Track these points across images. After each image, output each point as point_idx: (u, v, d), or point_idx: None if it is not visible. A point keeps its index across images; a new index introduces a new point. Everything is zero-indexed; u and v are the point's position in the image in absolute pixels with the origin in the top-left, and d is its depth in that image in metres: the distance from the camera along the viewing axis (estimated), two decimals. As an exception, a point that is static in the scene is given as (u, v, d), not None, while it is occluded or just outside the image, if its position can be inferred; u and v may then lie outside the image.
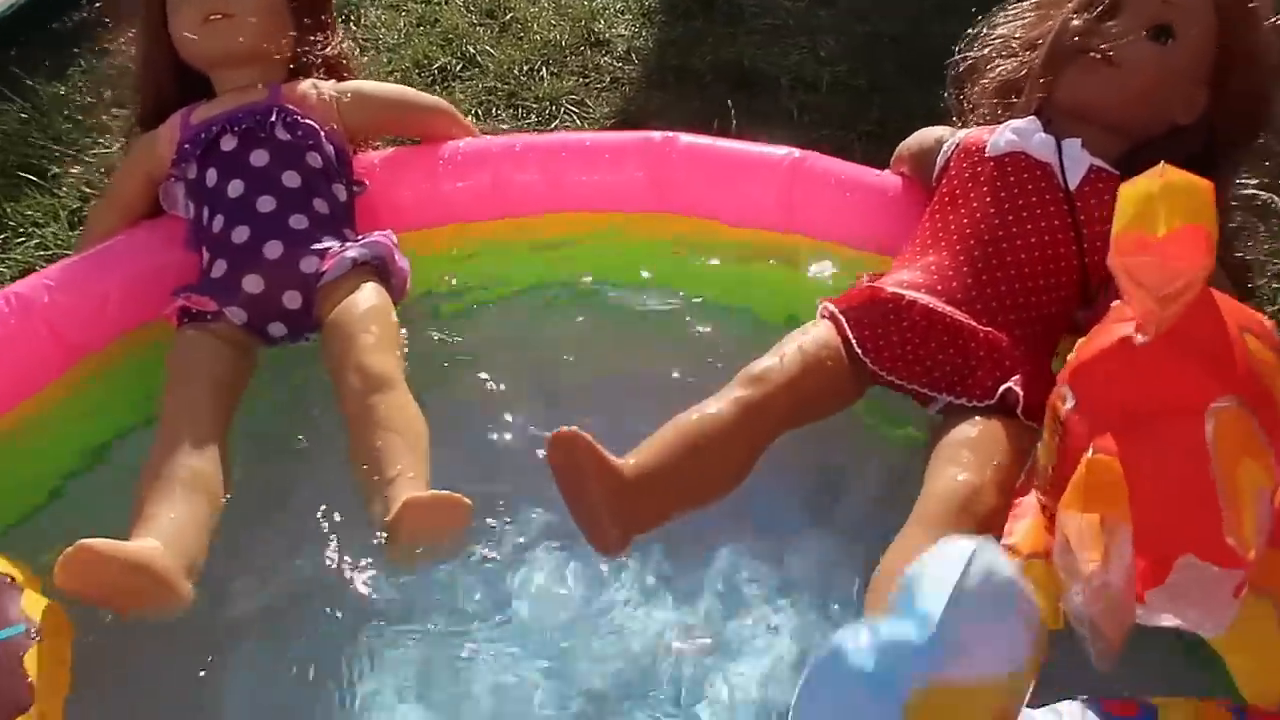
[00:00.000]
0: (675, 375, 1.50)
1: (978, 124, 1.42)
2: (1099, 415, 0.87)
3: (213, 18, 1.44)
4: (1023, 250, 1.23)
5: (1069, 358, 0.94)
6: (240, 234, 1.38)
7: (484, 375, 1.54)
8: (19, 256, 2.08)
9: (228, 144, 1.43)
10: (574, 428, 1.05)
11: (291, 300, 1.38)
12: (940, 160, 1.38)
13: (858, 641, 0.67)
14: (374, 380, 1.25)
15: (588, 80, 2.75)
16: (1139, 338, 0.84)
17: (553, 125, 2.54)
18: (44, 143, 2.36)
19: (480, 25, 3.00)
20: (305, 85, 1.50)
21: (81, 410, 1.38)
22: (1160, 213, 0.80)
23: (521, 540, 1.25)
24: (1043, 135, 1.28)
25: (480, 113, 2.59)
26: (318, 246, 1.39)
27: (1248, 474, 0.83)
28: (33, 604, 1.03)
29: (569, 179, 1.58)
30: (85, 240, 1.56)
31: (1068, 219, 1.24)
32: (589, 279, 1.60)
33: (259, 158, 1.42)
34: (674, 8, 3.05)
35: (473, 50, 2.83)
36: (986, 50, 1.41)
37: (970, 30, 1.49)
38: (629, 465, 1.07)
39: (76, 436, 1.38)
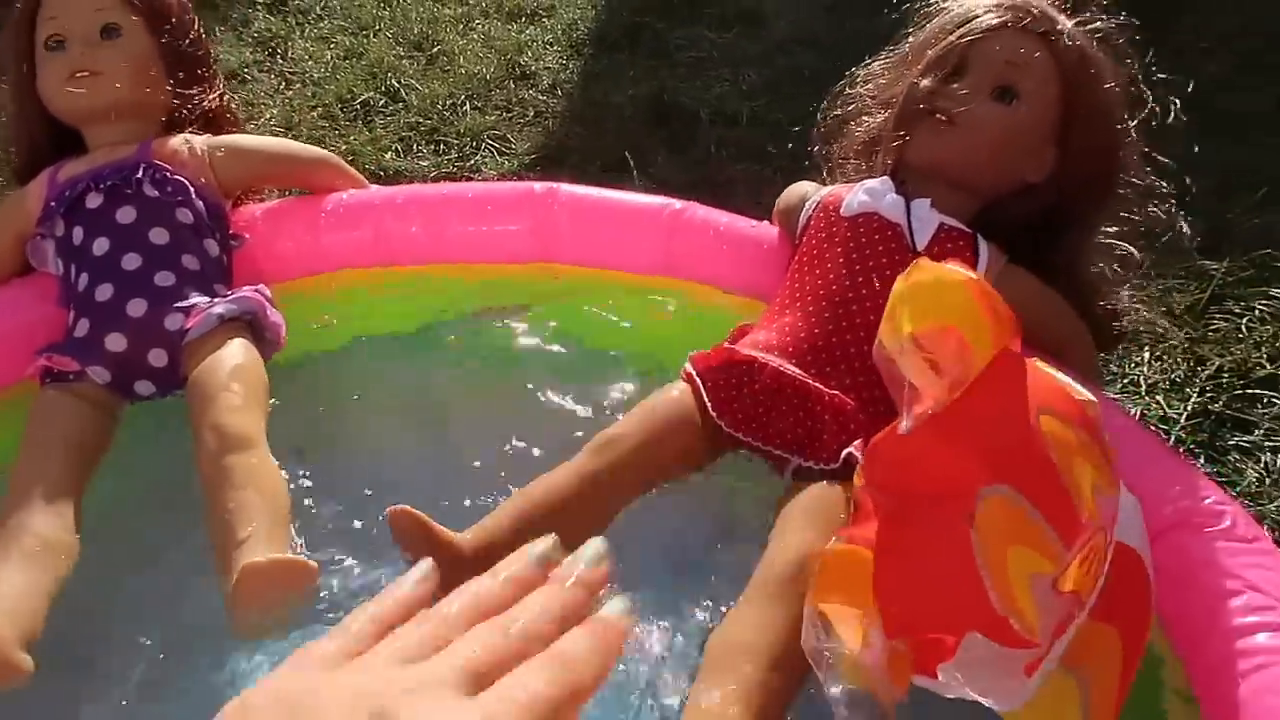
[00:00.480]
0: (560, 419, 1.52)
1: (844, 180, 1.43)
2: (878, 499, 0.88)
3: (79, 74, 1.43)
4: (871, 311, 1.24)
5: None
6: (104, 292, 1.37)
7: (370, 422, 1.55)
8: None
9: (93, 201, 1.42)
10: (404, 506, 1.04)
11: (157, 358, 1.37)
12: (802, 218, 1.39)
13: None
14: (231, 440, 1.24)
15: (511, 115, 2.76)
16: (902, 426, 0.85)
17: (472, 161, 2.55)
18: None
19: (407, 58, 3.01)
20: (176, 140, 1.50)
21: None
22: (905, 314, 0.81)
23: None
24: (894, 196, 1.30)
25: (400, 148, 2.60)
26: (183, 304, 1.38)
27: (1019, 561, 0.84)
28: None
29: (451, 230, 1.58)
30: (-43, 296, 1.54)
31: None
32: (480, 321, 1.62)
33: (125, 215, 1.41)
34: (602, 39, 3.08)
35: (397, 84, 2.84)
36: (850, 107, 1.43)
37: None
38: (467, 542, 1.07)
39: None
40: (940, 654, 0.85)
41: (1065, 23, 1.28)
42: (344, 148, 2.57)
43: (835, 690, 0.79)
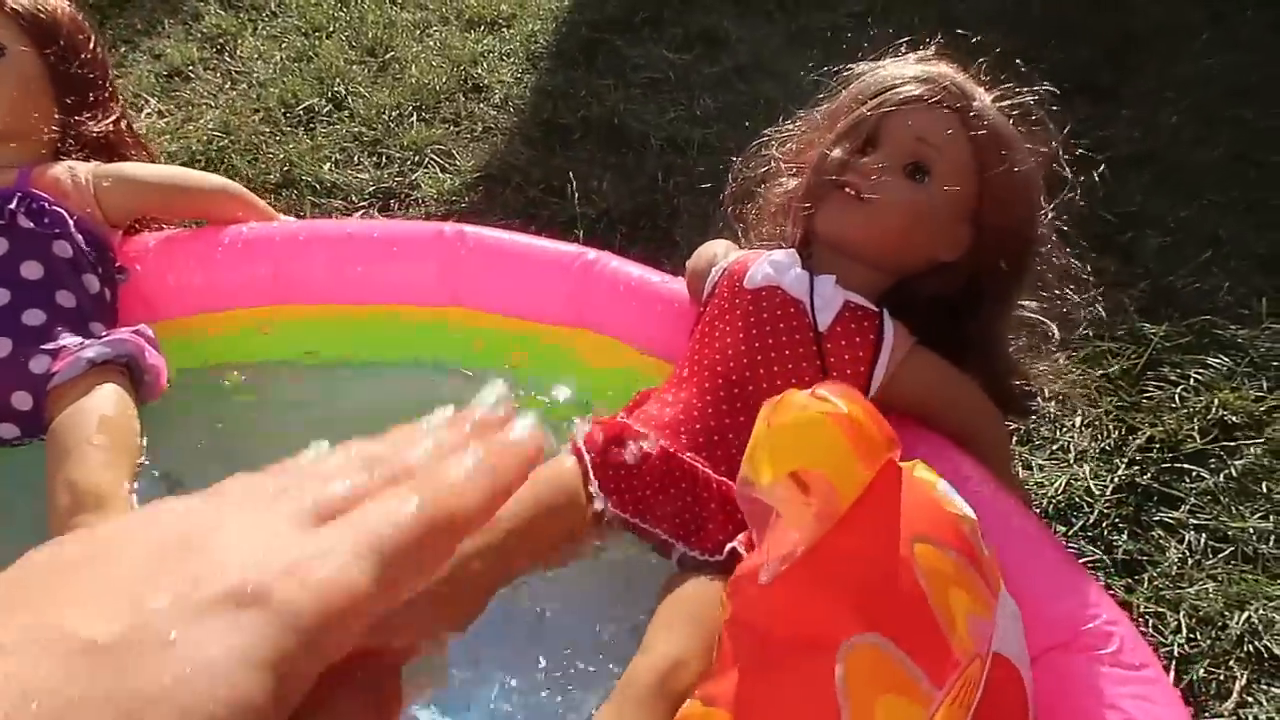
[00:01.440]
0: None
1: (759, 242, 1.37)
2: (739, 639, 0.82)
3: (-46, 97, 1.36)
4: (767, 394, 1.17)
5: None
6: (-32, 328, 1.30)
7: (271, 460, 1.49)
8: None
9: (-36, 230, 1.35)
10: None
11: (21, 401, 1.30)
12: (708, 283, 1.32)
13: None
14: (85, 498, 1.18)
15: (459, 129, 2.69)
16: (764, 572, 0.79)
17: (414, 175, 2.48)
18: None
19: (358, 64, 2.93)
20: (59, 169, 1.42)
21: None
22: (763, 458, 0.75)
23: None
24: (798, 271, 1.23)
25: (340, 160, 2.53)
26: (50, 346, 1.31)
27: (887, 711, 0.79)
28: None
29: (352, 270, 1.51)
30: None
31: (816, 361, 1.19)
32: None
33: (-3, 247, 1.34)
34: (560, 54, 3.00)
35: (344, 91, 2.77)
36: (764, 169, 1.36)
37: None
38: None
39: None
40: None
41: (983, 98, 1.22)
42: (281, 156, 2.50)
43: None
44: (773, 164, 1.34)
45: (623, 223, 2.32)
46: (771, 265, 1.25)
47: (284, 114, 2.68)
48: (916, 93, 1.21)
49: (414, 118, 2.69)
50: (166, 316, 1.48)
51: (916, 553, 0.86)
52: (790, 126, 1.35)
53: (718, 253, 1.37)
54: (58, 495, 1.18)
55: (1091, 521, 1.66)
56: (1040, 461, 1.78)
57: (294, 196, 2.36)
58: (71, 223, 1.38)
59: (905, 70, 1.26)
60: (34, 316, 1.32)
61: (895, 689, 0.80)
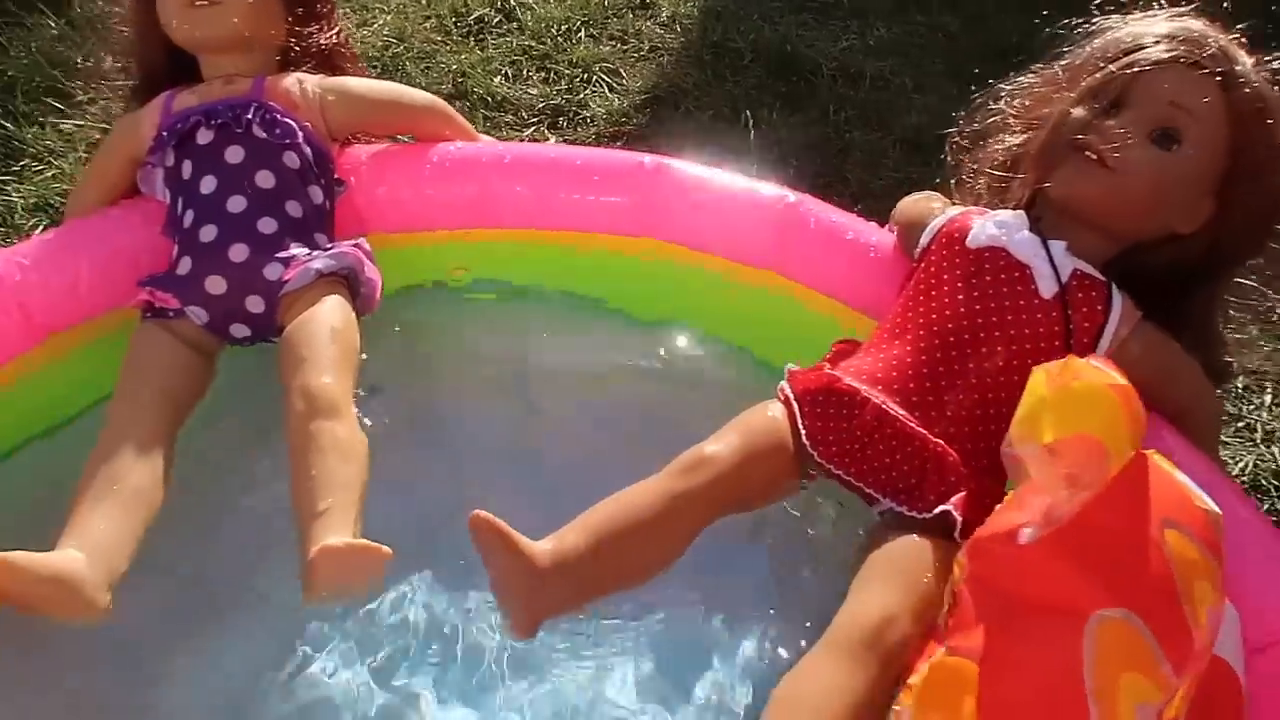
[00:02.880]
0: (656, 405, 1.50)
1: (974, 199, 1.34)
2: (983, 597, 0.84)
3: (198, 3, 1.40)
4: (986, 357, 1.17)
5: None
6: (208, 233, 1.37)
7: (466, 380, 1.55)
8: (34, 187, 2.11)
9: (204, 137, 1.41)
10: (486, 514, 1.03)
11: (254, 305, 1.38)
12: (925, 238, 1.30)
13: None
14: (319, 405, 1.25)
15: (626, 47, 2.67)
16: (1025, 534, 0.80)
17: (582, 94, 2.48)
18: (71, 64, 2.37)
19: (526, -28, 2.91)
20: (290, 80, 1.46)
21: (45, 386, 1.40)
22: (1048, 419, 0.76)
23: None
24: (1027, 234, 1.20)
25: (510, 73, 2.54)
26: (283, 254, 1.38)
27: (1130, 688, 0.80)
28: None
29: (556, 196, 1.54)
30: (69, 213, 1.56)
31: (1052, 327, 1.17)
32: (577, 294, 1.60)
33: (234, 154, 1.40)
34: (728, -27, 2.93)
35: (514, 2, 2.76)
36: (990, 121, 1.32)
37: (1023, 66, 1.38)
38: (545, 553, 1.06)
39: (37, 410, 1.41)
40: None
41: (1245, 62, 1.16)
42: (455, 66, 2.52)
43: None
44: (1002, 117, 1.30)
45: (793, 155, 2.29)
46: (997, 225, 1.22)
47: (455, 23, 2.70)
48: (1173, 53, 1.15)
49: (582, 33, 2.67)
50: (375, 230, 1.53)
51: (1167, 538, 0.86)
52: (1025, 79, 1.30)
53: (932, 207, 1.35)
54: (294, 400, 1.25)
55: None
56: (1224, 438, 1.73)
57: (466, 108, 2.38)
58: (301, 134, 1.43)
59: (1158, 27, 1.20)
60: (267, 224, 1.38)
61: (1140, 668, 0.81)
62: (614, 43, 2.68)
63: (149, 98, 1.50)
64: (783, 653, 1.22)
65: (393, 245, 1.53)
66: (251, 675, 1.20)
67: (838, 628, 1.04)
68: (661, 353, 1.56)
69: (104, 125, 2.23)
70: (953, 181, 1.38)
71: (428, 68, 2.53)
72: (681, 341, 1.57)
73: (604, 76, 2.54)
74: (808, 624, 1.19)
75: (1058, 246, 1.19)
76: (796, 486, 1.22)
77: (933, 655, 1.00)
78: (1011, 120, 1.28)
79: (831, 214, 1.49)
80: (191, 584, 1.26)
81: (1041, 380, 0.81)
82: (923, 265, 1.28)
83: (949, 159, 1.36)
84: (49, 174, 2.15)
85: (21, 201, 2.08)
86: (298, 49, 1.50)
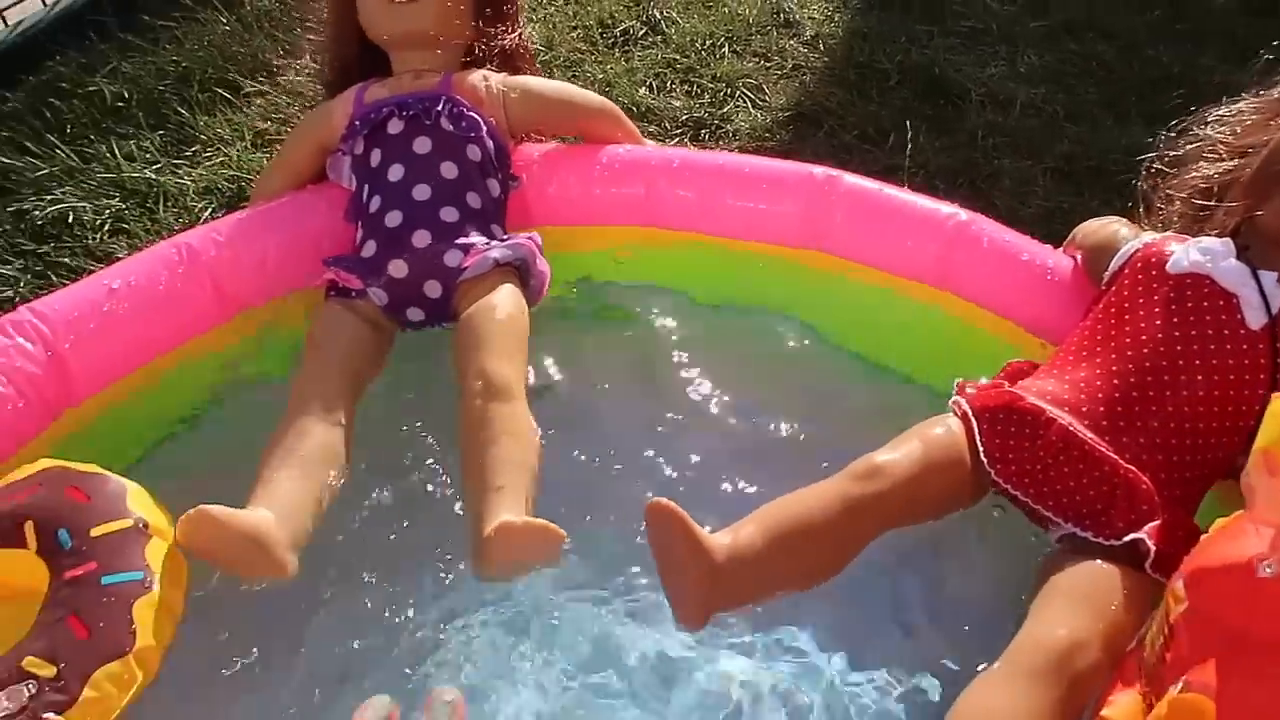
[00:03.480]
0: (801, 416, 1.49)
1: (1165, 226, 1.30)
2: (1207, 631, 0.81)
3: (398, 1, 1.46)
4: (1185, 386, 1.14)
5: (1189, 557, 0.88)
6: (393, 218, 1.42)
7: (614, 375, 1.57)
8: (204, 172, 2.20)
9: (394, 127, 1.46)
10: (669, 502, 1.04)
11: (432, 289, 1.42)
12: (1116, 262, 1.27)
13: None
14: (494, 389, 1.28)
15: (769, 64, 2.67)
16: (1266, 568, 0.77)
17: (724, 109, 2.49)
18: (241, 58, 2.48)
19: (673, -13, 2.95)
20: (476, 77, 1.51)
21: (231, 358, 1.47)
22: None
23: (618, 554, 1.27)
24: (1234, 262, 1.17)
25: (655, 85, 2.56)
26: (463, 241, 1.42)
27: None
28: (155, 553, 1.11)
29: (721, 202, 1.55)
30: (255, 196, 1.63)
31: (1258, 359, 1.13)
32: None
33: (422, 145, 1.45)
34: (874, -5, 2.92)
35: (659, 15, 2.79)
36: (1190, 147, 1.29)
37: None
38: (722, 547, 1.06)
39: (223, 380, 1.47)
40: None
41: None
42: (600, 76, 2.56)
43: None
44: (1207, 144, 1.26)
45: (939, 178, 2.26)
46: (1201, 252, 1.19)
47: (601, 34, 2.74)
48: None
49: (725, 48, 2.69)
50: (542, 223, 1.56)
51: None
52: (1236, 106, 1.26)
53: (1120, 231, 1.32)
54: (470, 381, 1.29)
55: None
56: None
57: (612, 118, 2.41)
58: (484, 128, 1.47)
59: None
60: (449, 213, 1.43)
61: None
62: (757, 59, 2.69)
63: (340, 90, 1.57)
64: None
65: (559, 240, 1.56)
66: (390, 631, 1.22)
67: (1020, 649, 1.02)
68: (815, 365, 1.55)
69: (272, 117, 2.35)
70: (1142, 208, 1.35)
71: (574, 76, 2.57)
72: (835, 355, 1.57)
73: (747, 92, 2.55)
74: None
75: (1269, 277, 1.15)
76: (969, 503, 1.20)
77: (1130, 687, 0.97)
78: (1220, 147, 1.25)
79: (1005, 234, 1.47)
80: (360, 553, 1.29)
81: None
82: (1114, 289, 1.25)
83: (1140, 184, 1.33)
84: (218, 160, 2.24)
85: (193, 185, 2.18)
86: (483, 48, 1.55)
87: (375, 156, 1.46)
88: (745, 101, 2.52)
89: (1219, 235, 1.22)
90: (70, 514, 1.10)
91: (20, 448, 1.28)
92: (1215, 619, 0.82)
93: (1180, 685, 0.79)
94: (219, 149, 2.27)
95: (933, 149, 2.36)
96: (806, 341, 1.59)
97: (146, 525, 1.13)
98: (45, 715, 0.95)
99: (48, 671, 0.97)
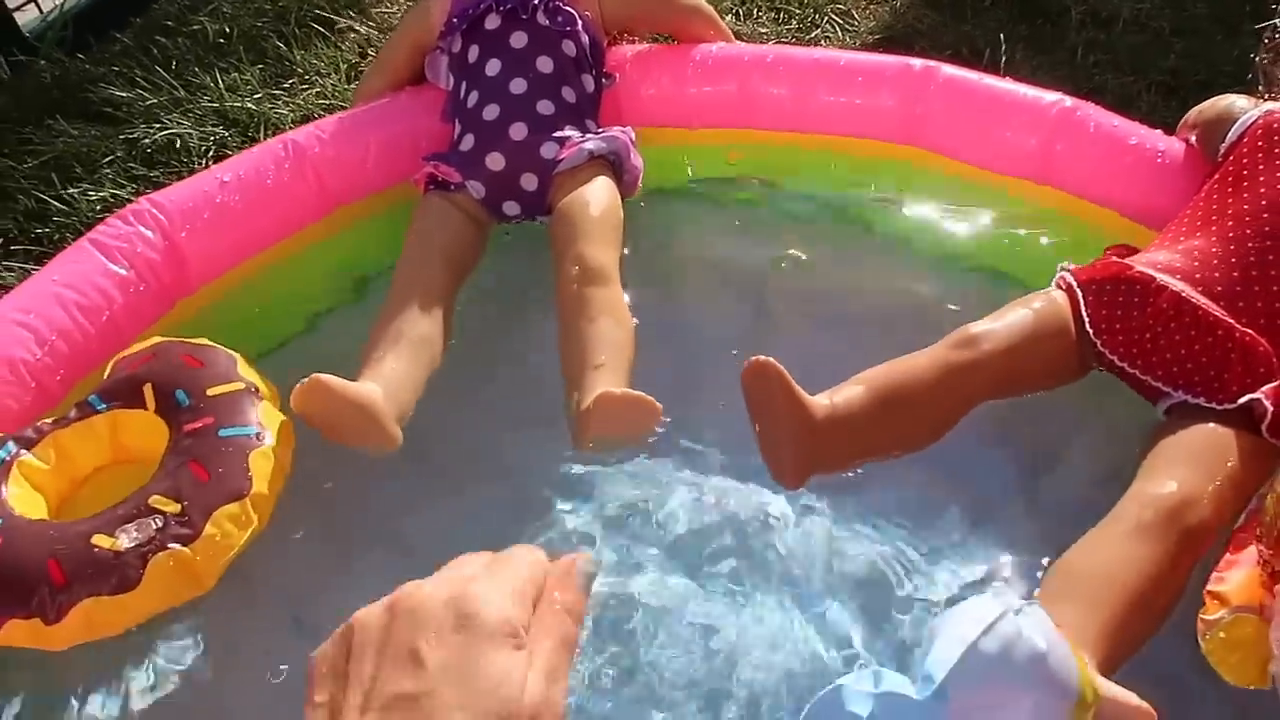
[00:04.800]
0: (893, 318, 1.47)
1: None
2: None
3: (497, -104, 1.47)
4: (1311, 247, 1.09)
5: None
6: (491, 112, 1.44)
7: (704, 280, 1.56)
8: (301, 102, 2.26)
9: (491, 23, 1.48)
10: (770, 358, 1.04)
11: (528, 182, 1.43)
12: (1233, 133, 1.22)
13: (861, 686, 0.66)
14: (592, 273, 1.29)
15: (858, -13, 2.62)
16: None
17: (811, 35, 2.46)
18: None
19: (761, -91, 2.90)
20: (571, -28, 1.52)
21: (335, 253, 1.51)
22: None
23: (701, 451, 1.27)
24: (1364, 121, 1.11)
25: (741, 11, 2.54)
26: (559, 134, 1.43)
27: None
28: (268, 414, 1.16)
29: (817, 98, 1.53)
30: (357, 98, 1.67)
31: None
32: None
33: (518, 39, 1.46)
34: (968, -87, 2.83)
35: (746, -59, 2.75)
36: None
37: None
38: (822, 406, 1.05)
39: (329, 276, 1.51)
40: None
41: None
42: (687, 3, 2.55)
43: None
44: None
45: (1038, 97, 2.19)
46: (1330, 115, 1.13)
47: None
48: None
49: (812, -27, 2.65)
50: (634, 124, 1.56)
51: None
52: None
53: (1237, 103, 1.27)
54: (568, 268, 1.30)
55: None
56: None
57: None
58: (580, 24, 1.48)
59: None
60: (545, 107, 1.44)
61: None
62: (845, -15, 2.63)
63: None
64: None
65: (652, 141, 1.56)
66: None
67: (1129, 504, 0.99)
68: (913, 268, 1.52)
69: (366, 52, 2.40)
70: (1262, 81, 1.29)
71: (660, 3, 2.56)
72: (934, 259, 1.53)
73: (835, 18, 2.51)
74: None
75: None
76: (1072, 377, 1.17)
77: (1241, 563, 0.94)
78: None
79: (1113, 119, 1.42)
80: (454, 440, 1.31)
81: None
82: (1232, 159, 1.20)
83: (1260, 58, 1.27)
84: (313, 92, 2.30)
85: (291, 115, 2.24)
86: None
87: (473, 52, 1.48)
88: (834, 27, 2.48)
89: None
90: (187, 377, 1.15)
91: (140, 331, 1.34)
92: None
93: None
94: (314, 81, 2.33)
95: (1030, 68, 2.29)
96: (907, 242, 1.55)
97: (257, 389, 1.18)
98: (171, 545, 1.00)
99: (173, 508, 1.02)
